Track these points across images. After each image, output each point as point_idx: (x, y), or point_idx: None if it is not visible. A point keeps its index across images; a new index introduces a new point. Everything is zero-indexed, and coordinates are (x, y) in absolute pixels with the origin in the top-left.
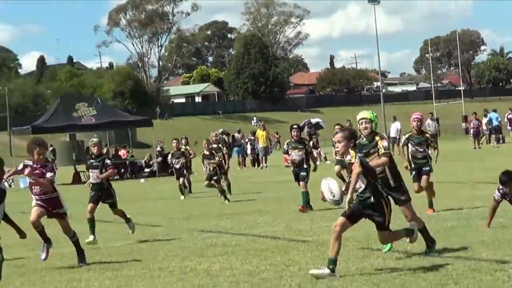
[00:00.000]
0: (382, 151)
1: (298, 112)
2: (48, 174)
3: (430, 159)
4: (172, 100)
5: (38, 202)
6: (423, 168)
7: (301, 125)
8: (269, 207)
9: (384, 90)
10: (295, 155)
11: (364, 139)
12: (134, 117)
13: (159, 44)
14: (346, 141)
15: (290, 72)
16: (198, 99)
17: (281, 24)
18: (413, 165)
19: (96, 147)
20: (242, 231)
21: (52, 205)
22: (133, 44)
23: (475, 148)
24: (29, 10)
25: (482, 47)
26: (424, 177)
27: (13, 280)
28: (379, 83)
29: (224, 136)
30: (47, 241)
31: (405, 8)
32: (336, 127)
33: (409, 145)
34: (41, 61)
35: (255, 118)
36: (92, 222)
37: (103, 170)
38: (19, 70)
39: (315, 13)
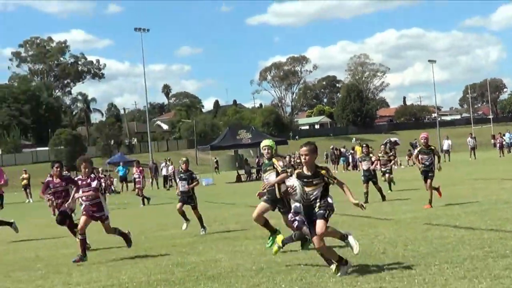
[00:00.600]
0: (279, 169)
1: (382, 134)
2: (93, 183)
3: (434, 167)
4: (300, 127)
5: (85, 207)
6: (429, 174)
7: (384, 142)
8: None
9: (439, 118)
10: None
11: (266, 161)
12: (275, 138)
13: (292, 91)
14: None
15: (377, 108)
16: (317, 126)
17: (371, 77)
18: (422, 169)
19: (184, 165)
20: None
21: (96, 209)
22: (275, 91)
23: (500, 156)
24: (209, 70)
25: (505, 89)
26: (428, 181)
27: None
28: (435, 114)
29: (333, 150)
30: (84, 253)
31: (453, 64)
32: (381, 146)
33: (419, 155)
34: (216, 103)
35: (354, 138)
36: (183, 214)
37: (190, 182)
38: (202, 109)
39: (394, 69)
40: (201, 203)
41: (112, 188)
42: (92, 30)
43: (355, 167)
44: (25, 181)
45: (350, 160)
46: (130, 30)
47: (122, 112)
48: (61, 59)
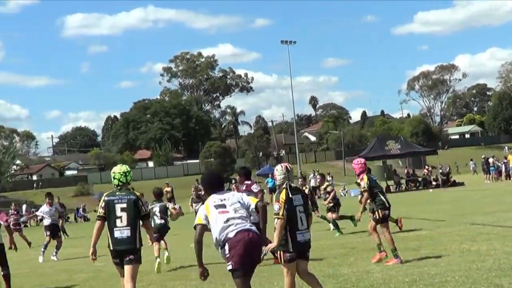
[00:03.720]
0: None
1: None
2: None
3: None
4: (449, 136)
5: None
6: None
7: None
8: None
9: None
10: None
11: None
12: (424, 149)
13: (441, 100)
14: None
15: None
16: (467, 135)
17: None
18: None
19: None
20: (499, 224)
21: None
22: (423, 101)
23: None
24: (355, 81)
25: None
26: None
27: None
28: None
29: (484, 160)
30: None
31: None
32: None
33: None
34: (364, 114)
35: (506, 147)
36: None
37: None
38: (350, 120)
39: None
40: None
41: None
42: (240, 44)
43: (508, 176)
44: (169, 194)
45: (503, 169)
46: (277, 43)
47: (270, 124)
48: (210, 73)
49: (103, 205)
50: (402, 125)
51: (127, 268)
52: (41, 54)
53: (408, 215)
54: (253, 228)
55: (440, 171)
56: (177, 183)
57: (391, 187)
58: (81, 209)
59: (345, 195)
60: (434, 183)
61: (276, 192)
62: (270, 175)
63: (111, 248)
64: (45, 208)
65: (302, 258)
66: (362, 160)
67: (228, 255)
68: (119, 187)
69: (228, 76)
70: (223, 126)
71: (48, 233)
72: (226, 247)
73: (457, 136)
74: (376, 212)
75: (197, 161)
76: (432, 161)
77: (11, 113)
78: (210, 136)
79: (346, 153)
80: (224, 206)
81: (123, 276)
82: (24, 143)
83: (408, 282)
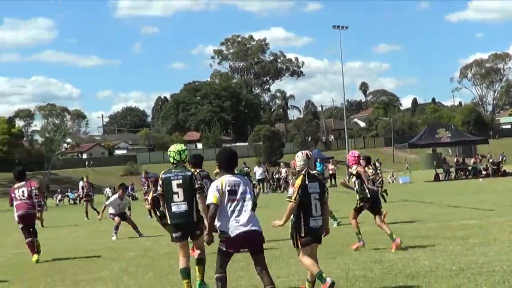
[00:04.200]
0: None
1: None
2: None
3: None
4: (501, 126)
5: None
6: None
7: None
8: None
9: None
10: None
11: None
12: (475, 137)
13: (493, 89)
14: None
15: None
16: None
17: None
18: None
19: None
20: None
21: None
22: (475, 89)
23: None
24: (407, 68)
25: None
26: None
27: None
28: None
29: None
30: None
31: None
32: None
33: None
34: (414, 101)
35: None
36: None
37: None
38: (400, 107)
39: None
40: (398, 201)
41: None
42: (292, 28)
43: None
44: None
45: None
46: (328, 28)
47: (319, 109)
48: (261, 57)
49: (160, 183)
50: (453, 113)
51: (195, 243)
52: (93, 34)
53: (457, 204)
54: (255, 227)
55: (490, 160)
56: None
57: (440, 175)
58: (129, 189)
59: (393, 181)
60: (484, 172)
61: (293, 178)
62: (318, 160)
63: (169, 223)
64: (116, 200)
65: (317, 242)
66: (357, 153)
67: (223, 242)
68: (174, 165)
69: (279, 60)
70: (272, 110)
71: (116, 217)
72: (224, 238)
73: (509, 126)
74: (357, 202)
75: (246, 144)
76: (482, 150)
77: (63, 92)
78: (260, 119)
79: (395, 140)
80: (235, 193)
81: (183, 251)
82: (75, 122)
83: (455, 271)
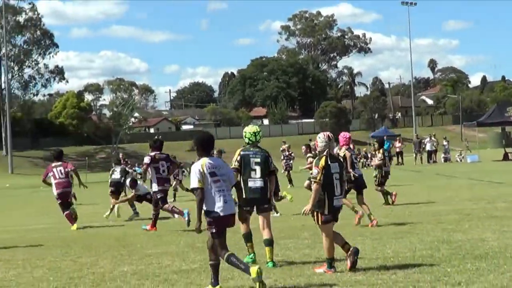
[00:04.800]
0: None
1: None
2: None
3: None
4: None
5: None
6: None
7: None
8: None
9: None
10: None
11: None
12: None
13: None
14: None
15: None
16: None
17: None
18: None
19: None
20: None
21: None
22: None
23: None
24: (477, 45)
25: None
26: None
27: None
28: None
29: None
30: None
31: None
32: None
33: None
34: (484, 79)
35: None
36: None
37: None
38: (469, 85)
39: None
40: (465, 180)
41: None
42: (360, 3)
43: None
44: (285, 152)
45: None
46: (397, 4)
47: (386, 86)
48: (328, 33)
49: (238, 158)
50: None
51: (262, 216)
52: (162, 9)
53: None
54: (236, 208)
55: None
56: (291, 141)
57: (509, 154)
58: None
59: (461, 160)
60: None
61: (316, 159)
62: (384, 137)
63: (244, 196)
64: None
65: (335, 220)
66: (348, 135)
67: (211, 223)
68: (249, 145)
69: (346, 37)
70: (339, 86)
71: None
72: (211, 219)
73: None
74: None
75: (312, 120)
76: None
77: (131, 66)
78: (326, 96)
79: (464, 118)
80: (215, 174)
81: (245, 220)
82: (142, 97)
83: None
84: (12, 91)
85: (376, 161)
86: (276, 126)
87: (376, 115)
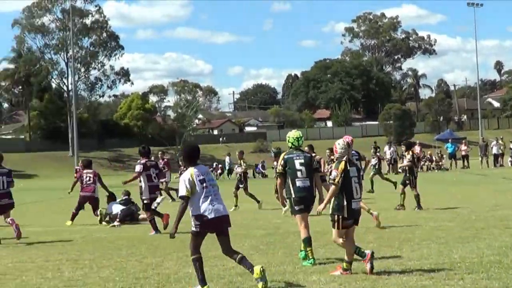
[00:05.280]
0: None
1: None
2: None
3: None
4: None
5: None
6: None
7: None
8: None
9: None
10: None
11: None
12: None
13: None
14: None
15: None
16: None
17: None
18: None
19: None
20: None
21: None
22: None
23: None
24: None
25: None
26: None
27: None
28: None
29: None
30: None
31: None
32: None
33: None
34: None
35: None
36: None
37: None
38: None
39: None
40: None
41: (441, 164)
42: (425, 4)
43: None
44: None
45: None
46: (463, 5)
47: (451, 88)
48: (393, 34)
49: (282, 163)
50: None
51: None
52: (226, 11)
53: None
54: (226, 212)
55: None
56: (355, 144)
57: None
58: (260, 165)
59: None
60: None
61: (336, 162)
62: (449, 140)
63: (294, 196)
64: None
65: (356, 224)
66: (351, 138)
67: (198, 225)
68: (292, 149)
69: (411, 38)
70: (403, 88)
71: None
72: (199, 222)
73: None
74: None
75: (376, 122)
76: None
77: (195, 68)
78: (390, 98)
79: None
80: (204, 181)
81: (304, 222)
82: (206, 98)
83: None
84: (79, 93)
85: (405, 162)
86: (339, 128)
87: (441, 118)
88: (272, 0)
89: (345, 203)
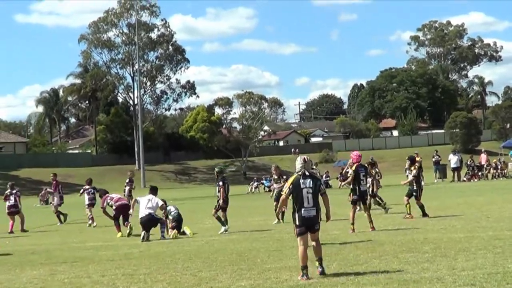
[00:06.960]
0: None
1: None
2: None
3: None
4: None
5: None
6: None
7: None
8: None
9: None
10: None
11: None
12: None
13: None
14: None
15: None
16: None
17: None
18: None
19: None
20: None
21: None
22: None
23: None
24: None
25: None
26: None
27: None
28: None
29: None
30: None
31: None
32: None
33: None
34: None
35: None
36: None
37: None
38: None
39: None
40: None
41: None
42: (492, 12)
43: None
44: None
45: None
46: None
47: None
48: (459, 42)
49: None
50: None
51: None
52: (292, 22)
53: None
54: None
55: None
56: (421, 153)
57: None
58: (324, 175)
59: None
60: None
61: (285, 177)
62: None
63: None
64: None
65: (312, 231)
66: (358, 153)
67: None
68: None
69: (477, 45)
70: (469, 96)
71: None
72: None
73: None
74: (349, 195)
75: (442, 131)
76: None
77: (261, 80)
78: (456, 106)
79: None
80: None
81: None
82: (272, 110)
83: None
84: (145, 106)
85: (410, 177)
86: (405, 137)
87: (508, 125)
88: (339, 11)
89: (296, 212)
